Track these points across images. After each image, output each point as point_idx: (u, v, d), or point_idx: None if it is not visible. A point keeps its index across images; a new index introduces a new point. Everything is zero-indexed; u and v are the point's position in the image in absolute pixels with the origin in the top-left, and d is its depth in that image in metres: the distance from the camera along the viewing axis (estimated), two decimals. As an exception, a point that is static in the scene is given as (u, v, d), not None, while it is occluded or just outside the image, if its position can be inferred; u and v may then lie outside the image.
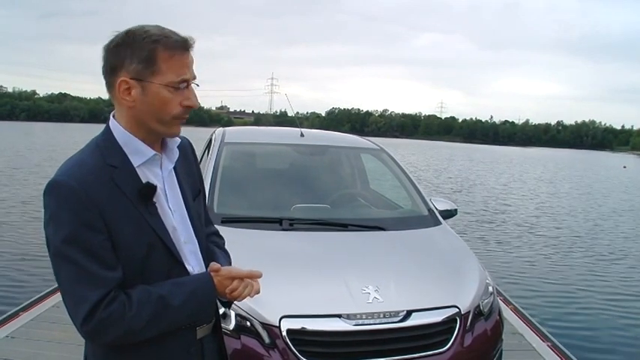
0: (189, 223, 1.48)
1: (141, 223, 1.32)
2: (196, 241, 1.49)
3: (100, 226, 1.26)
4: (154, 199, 1.36)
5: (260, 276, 1.46)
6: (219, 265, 1.45)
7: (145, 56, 1.29)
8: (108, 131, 1.37)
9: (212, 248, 1.60)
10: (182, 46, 1.33)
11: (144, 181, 1.35)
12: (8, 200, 12.51)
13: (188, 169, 1.55)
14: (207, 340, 1.52)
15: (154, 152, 1.38)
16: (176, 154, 1.47)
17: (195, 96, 1.37)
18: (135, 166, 1.35)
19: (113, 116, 1.39)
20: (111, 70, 1.32)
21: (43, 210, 1.29)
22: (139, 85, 1.31)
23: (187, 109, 1.36)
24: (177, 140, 1.48)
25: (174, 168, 1.47)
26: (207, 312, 1.44)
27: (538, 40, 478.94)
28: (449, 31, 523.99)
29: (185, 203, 1.48)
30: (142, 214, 1.33)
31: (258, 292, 1.47)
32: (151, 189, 1.35)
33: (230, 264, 1.60)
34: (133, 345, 1.32)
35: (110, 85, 1.34)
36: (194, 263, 1.46)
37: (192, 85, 1.37)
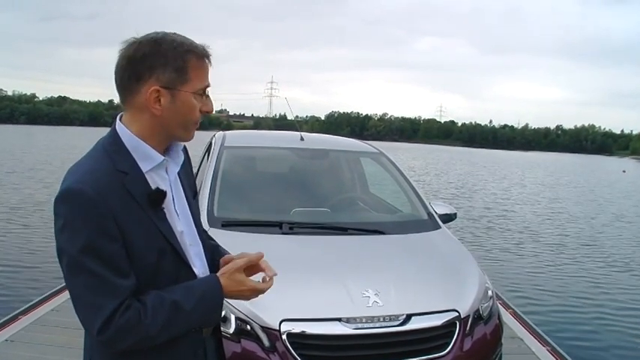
0: (193, 225, 1.49)
1: (152, 229, 1.33)
2: (200, 243, 1.50)
3: (116, 233, 1.26)
4: (163, 204, 1.37)
5: (260, 257, 1.49)
6: (231, 255, 1.52)
7: (179, 65, 1.32)
8: (115, 135, 1.36)
9: (211, 243, 1.62)
10: (207, 55, 1.38)
11: (152, 186, 1.35)
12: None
13: (186, 170, 1.56)
14: (208, 341, 1.53)
15: (163, 158, 1.39)
16: (181, 157, 1.48)
17: (212, 102, 1.42)
18: (144, 171, 1.35)
19: (120, 119, 1.39)
20: (136, 79, 1.32)
21: (54, 218, 1.27)
22: (169, 93, 1.32)
23: (202, 115, 1.40)
24: (181, 144, 1.49)
25: (179, 172, 1.48)
26: (216, 313, 1.43)
27: (539, 44, 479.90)
28: (449, 35, 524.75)
29: (189, 205, 1.49)
30: (152, 219, 1.33)
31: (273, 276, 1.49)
32: (161, 195, 1.35)
33: None
34: (141, 350, 1.32)
35: (132, 92, 1.33)
36: (199, 265, 1.46)
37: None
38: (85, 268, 1.23)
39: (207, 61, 1.38)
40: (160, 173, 1.40)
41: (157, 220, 1.34)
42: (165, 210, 1.37)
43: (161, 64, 1.31)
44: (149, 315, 1.27)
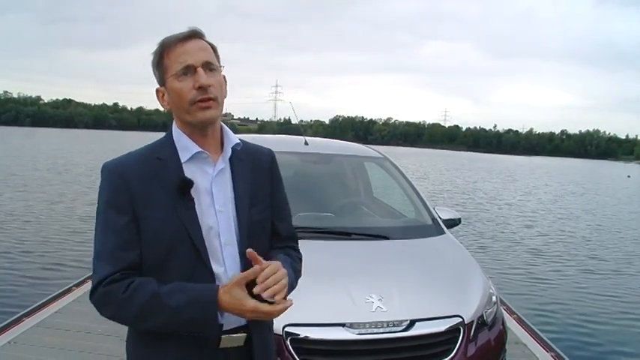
0: (236, 227, 1.45)
1: (171, 214, 1.37)
2: (237, 245, 1.44)
3: (126, 208, 1.36)
4: (193, 195, 1.40)
5: (256, 272, 1.32)
6: (244, 275, 1.33)
7: (156, 62, 1.45)
8: (169, 132, 1.49)
9: (279, 254, 1.58)
10: (177, 38, 1.42)
11: (188, 176, 1.41)
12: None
13: (256, 177, 1.54)
14: (234, 352, 1.46)
15: (198, 149, 1.44)
16: (228, 153, 1.49)
17: (204, 76, 1.39)
18: (182, 161, 1.43)
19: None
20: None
21: None
22: (165, 88, 1.45)
23: (201, 91, 1.39)
24: (233, 141, 1.49)
25: (234, 171, 1.49)
26: (208, 324, 1.35)
27: (544, 49, 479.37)
28: (455, 39, 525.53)
29: (236, 207, 1.46)
30: (174, 206, 1.38)
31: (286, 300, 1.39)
32: (186, 183, 1.39)
33: (294, 280, 1.57)
34: (158, 338, 1.39)
35: None
36: (230, 265, 1.42)
37: (206, 70, 1.41)
38: (97, 230, 1.40)
39: (177, 43, 1.41)
40: (203, 167, 1.45)
41: (180, 208, 1.38)
42: (195, 201, 1.40)
43: (153, 69, 1.48)
44: (127, 294, 1.32)
